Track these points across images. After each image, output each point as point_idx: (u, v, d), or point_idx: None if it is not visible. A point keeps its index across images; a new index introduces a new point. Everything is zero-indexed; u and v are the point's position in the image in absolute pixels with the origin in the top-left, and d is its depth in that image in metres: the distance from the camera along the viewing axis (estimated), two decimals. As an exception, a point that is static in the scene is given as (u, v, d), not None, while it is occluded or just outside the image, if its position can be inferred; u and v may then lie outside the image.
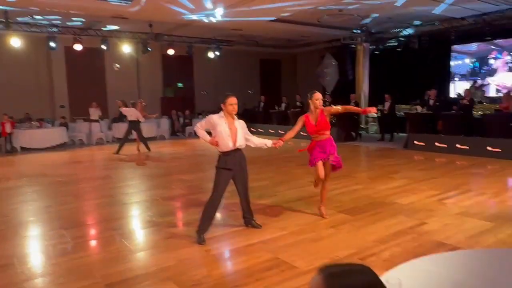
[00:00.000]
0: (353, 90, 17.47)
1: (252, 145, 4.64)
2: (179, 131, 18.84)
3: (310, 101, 4.97)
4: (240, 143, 4.43)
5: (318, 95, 4.97)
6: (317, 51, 22.14)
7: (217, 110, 4.66)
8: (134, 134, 13.21)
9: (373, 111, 4.90)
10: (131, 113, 12.68)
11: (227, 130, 4.35)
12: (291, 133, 4.92)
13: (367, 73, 17.95)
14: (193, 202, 6.38)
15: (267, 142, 4.70)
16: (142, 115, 12.86)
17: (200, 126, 4.50)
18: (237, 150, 4.46)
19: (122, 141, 12.94)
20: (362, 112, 4.93)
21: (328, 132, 5.02)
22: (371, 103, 17.34)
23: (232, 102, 4.38)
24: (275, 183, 7.74)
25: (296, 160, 10.68)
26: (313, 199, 6.20)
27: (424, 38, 16.35)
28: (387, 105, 14.52)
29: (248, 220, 4.90)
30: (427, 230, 4.76)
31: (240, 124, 4.52)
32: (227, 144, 4.35)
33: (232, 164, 4.41)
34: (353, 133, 15.35)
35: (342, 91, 17.80)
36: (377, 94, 16.07)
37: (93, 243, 4.71)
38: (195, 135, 18.00)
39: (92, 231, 5.16)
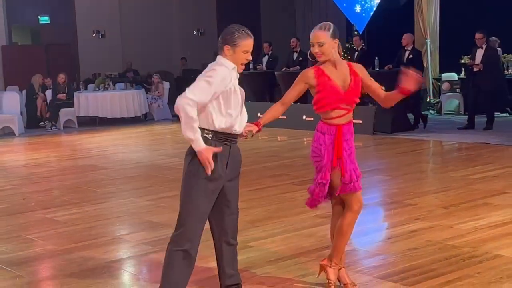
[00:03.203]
0: (408, 26, 14.21)
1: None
2: (46, 119, 15.32)
3: None
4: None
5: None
6: None
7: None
8: None
9: (413, 86, 3.93)
10: None
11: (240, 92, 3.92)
12: (276, 110, 4.18)
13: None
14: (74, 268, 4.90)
15: None
16: None
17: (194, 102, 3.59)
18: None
19: None
20: (401, 93, 4.03)
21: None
22: (444, 55, 14.49)
23: None
24: (248, 222, 6.23)
25: (290, 172, 8.64)
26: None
27: None
28: (479, 55, 11.03)
29: None
30: None
31: None
32: (239, 121, 3.85)
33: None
34: (413, 115, 12.29)
35: (386, 28, 15.06)
36: (459, 35, 13.40)
37: None
38: (98, 124, 14.25)
39: None
